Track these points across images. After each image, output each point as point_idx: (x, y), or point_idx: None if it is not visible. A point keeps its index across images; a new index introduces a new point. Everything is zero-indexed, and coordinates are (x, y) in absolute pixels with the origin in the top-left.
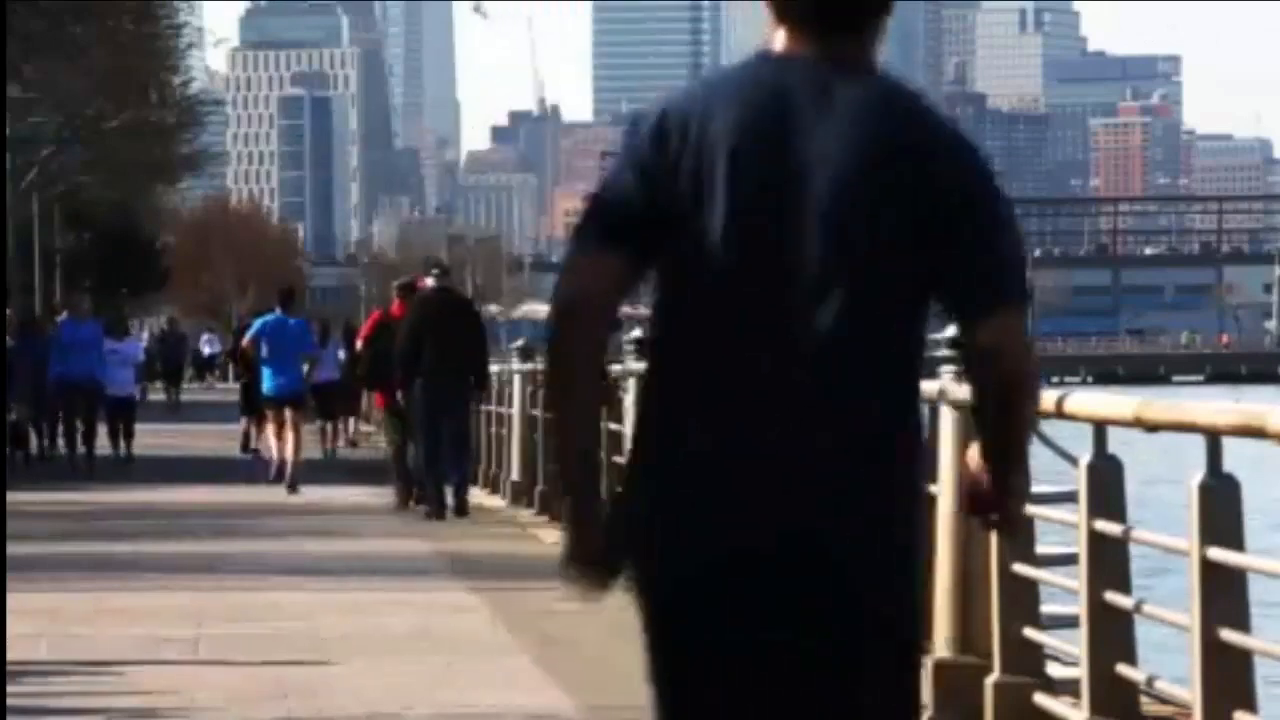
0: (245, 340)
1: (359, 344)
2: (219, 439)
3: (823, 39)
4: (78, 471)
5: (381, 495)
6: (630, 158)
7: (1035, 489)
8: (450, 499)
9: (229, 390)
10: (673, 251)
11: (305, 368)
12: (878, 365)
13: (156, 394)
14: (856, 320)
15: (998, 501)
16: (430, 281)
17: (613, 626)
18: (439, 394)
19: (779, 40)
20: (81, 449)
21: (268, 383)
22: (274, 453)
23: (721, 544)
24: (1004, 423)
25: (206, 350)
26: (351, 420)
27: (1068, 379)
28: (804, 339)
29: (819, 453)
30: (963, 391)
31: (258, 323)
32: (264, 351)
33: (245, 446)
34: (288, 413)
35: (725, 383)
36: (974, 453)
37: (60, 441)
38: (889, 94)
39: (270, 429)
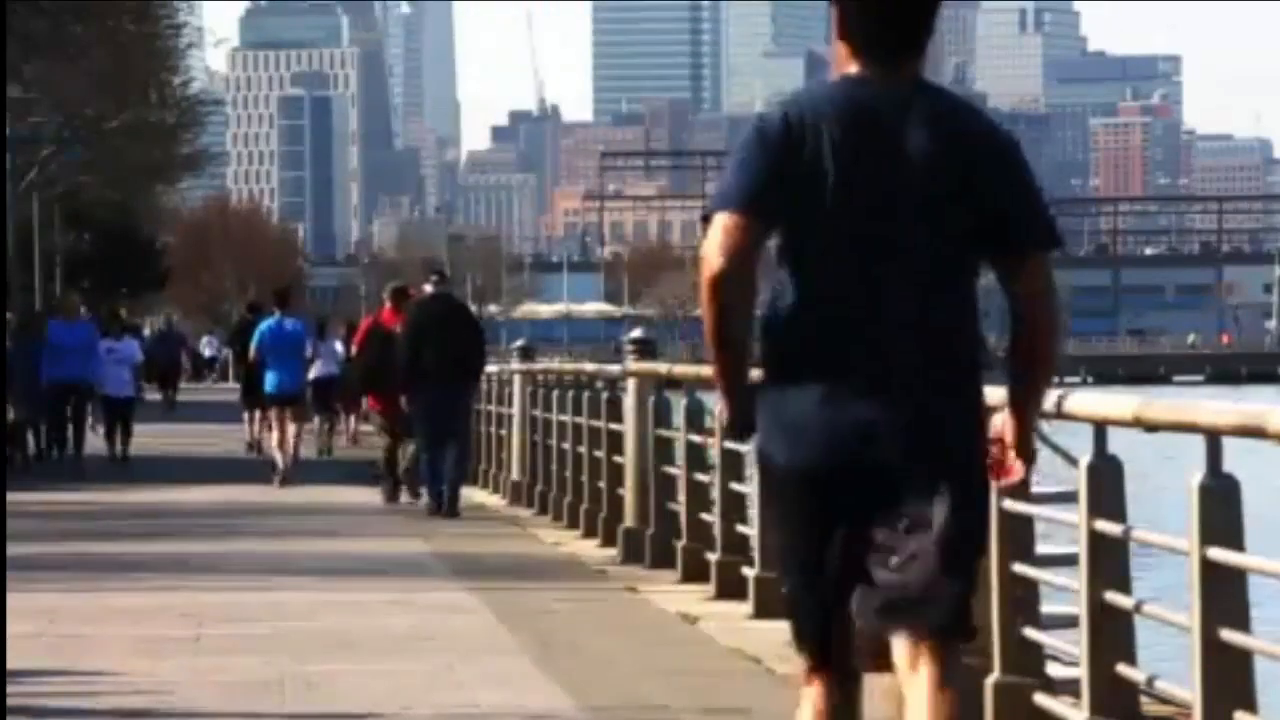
0: (251, 353)
1: (354, 350)
2: (218, 439)
3: (889, 64)
4: (66, 473)
5: (379, 496)
6: (761, 146)
7: (1035, 489)
8: (446, 499)
9: (228, 390)
10: (795, 219)
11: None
12: (956, 318)
13: (152, 393)
14: (937, 278)
15: (1018, 448)
16: (429, 288)
17: (613, 626)
18: (439, 398)
19: (855, 67)
20: (70, 451)
21: (269, 383)
22: (274, 453)
23: (842, 429)
24: (1041, 350)
25: (207, 352)
26: (353, 418)
27: (1068, 379)
28: (901, 298)
29: (919, 386)
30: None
31: (258, 331)
32: (264, 353)
33: (251, 446)
34: (287, 411)
35: (834, 329)
36: (997, 421)
37: (54, 443)
38: (942, 99)
39: (273, 428)
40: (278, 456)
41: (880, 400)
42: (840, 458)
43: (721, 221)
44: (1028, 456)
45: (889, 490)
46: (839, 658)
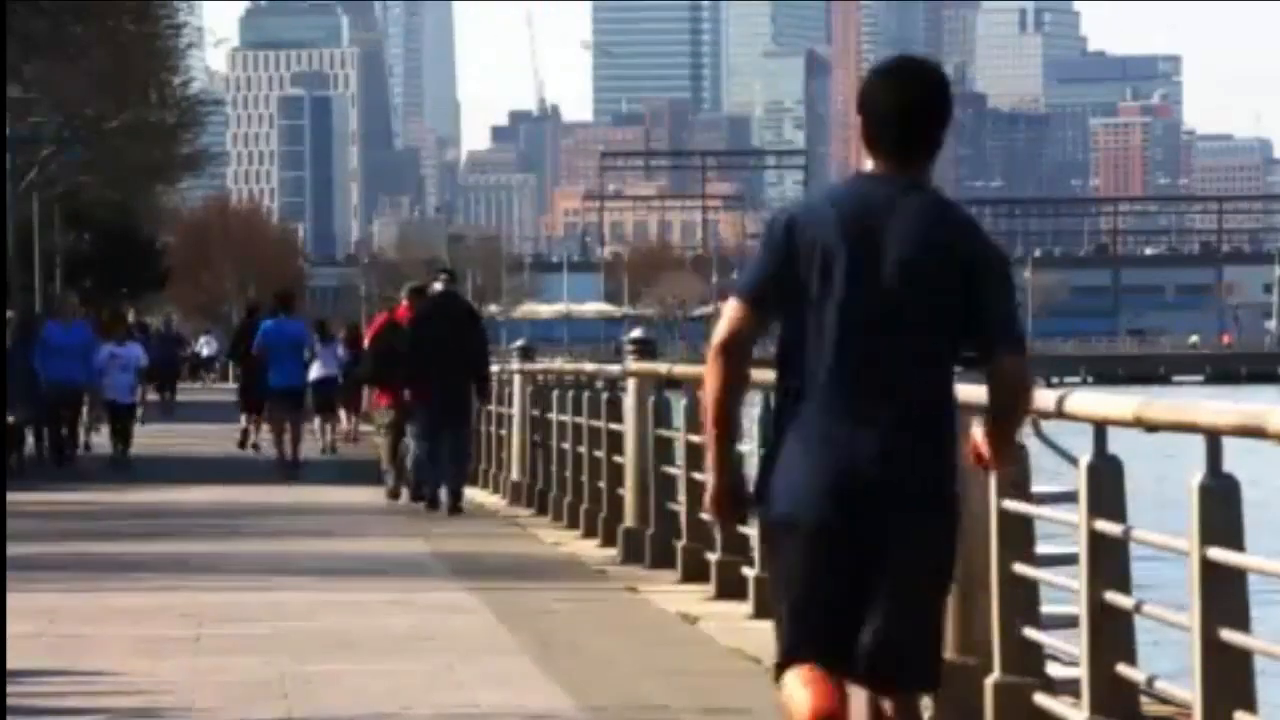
0: (254, 349)
1: (366, 344)
2: (217, 439)
3: (898, 167)
4: (63, 474)
5: (380, 495)
6: (768, 247)
7: (1035, 489)
8: (445, 498)
9: (226, 390)
10: (799, 303)
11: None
12: (934, 382)
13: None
14: (921, 350)
15: (994, 462)
16: (438, 286)
17: (613, 626)
18: (442, 397)
19: (869, 165)
20: (66, 452)
21: (270, 380)
22: (275, 449)
23: (837, 474)
24: (1009, 421)
25: (205, 352)
26: (353, 417)
27: (1068, 379)
28: (889, 362)
29: (899, 436)
30: (962, 392)
31: (260, 331)
32: (266, 352)
33: (243, 444)
34: (288, 409)
35: (835, 396)
36: (977, 429)
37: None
38: (935, 203)
39: (271, 426)
40: (276, 448)
41: (876, 455)
42: (832, 517)
43: (730, 306)
44: (1008, 462)
45: (877, 548)
46: (829, 676)
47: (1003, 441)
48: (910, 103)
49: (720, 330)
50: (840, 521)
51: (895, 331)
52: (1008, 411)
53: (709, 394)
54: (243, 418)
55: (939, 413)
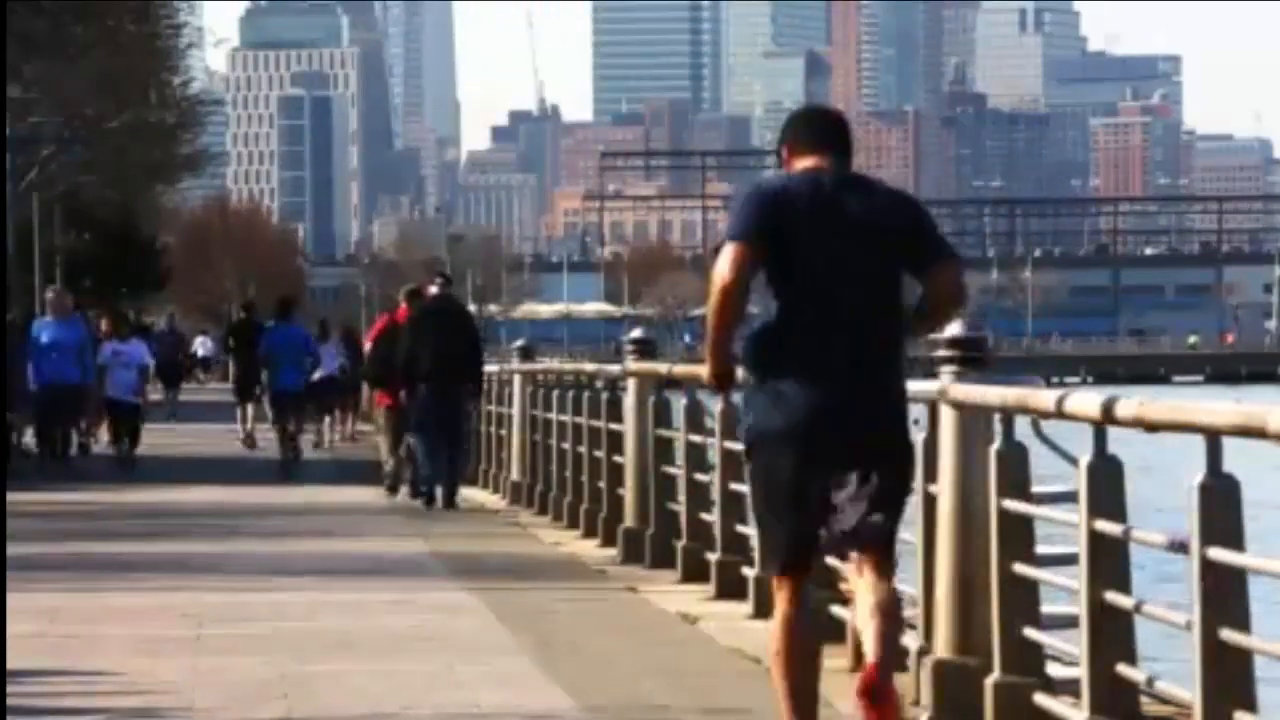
0: (260, 355)
1: (367, 345)
2: (217, 439)
3: (827, 159)
4: (60, 475)
5: (381, 495)
6: (757, 202)
7: (1035, 489)
8: (440, 494)
9: (224, 390)
10: (777, 263)
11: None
12: (890, 326)
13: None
14: (876, 299)
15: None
16: (433, 289)
17: (613, 626)
18: (438, 398)
19: (804, 162)
20: (64, 451)
21: (274, 384)
22: (279, 450)
23: (813, 407)
24: (937, 320)
25: (201, 352)
26: (350, 416)
27: (1068, 379)
28: (850, 312)
29: (864, 374)
30: (963, 392)
31: (265, 335)
32: (271, 355)
33: (246, 442)
34: (291, 411)
35: (804, 338)
36: None
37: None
38: (868, 182)
39: (275, 427)
40: (285, 450)
41: (842, 384)
42: (816, 424)
43: (728, 248)
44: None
45: (846, 449)
46: (803, 567)
47: (923, 322)
48: (840, 119)
49: (723, 269)
50: (811, 432)
51: (859, 286)
52: (937, 306)
53: (714, 317)
54: (237, 412)
55: (895, 349)
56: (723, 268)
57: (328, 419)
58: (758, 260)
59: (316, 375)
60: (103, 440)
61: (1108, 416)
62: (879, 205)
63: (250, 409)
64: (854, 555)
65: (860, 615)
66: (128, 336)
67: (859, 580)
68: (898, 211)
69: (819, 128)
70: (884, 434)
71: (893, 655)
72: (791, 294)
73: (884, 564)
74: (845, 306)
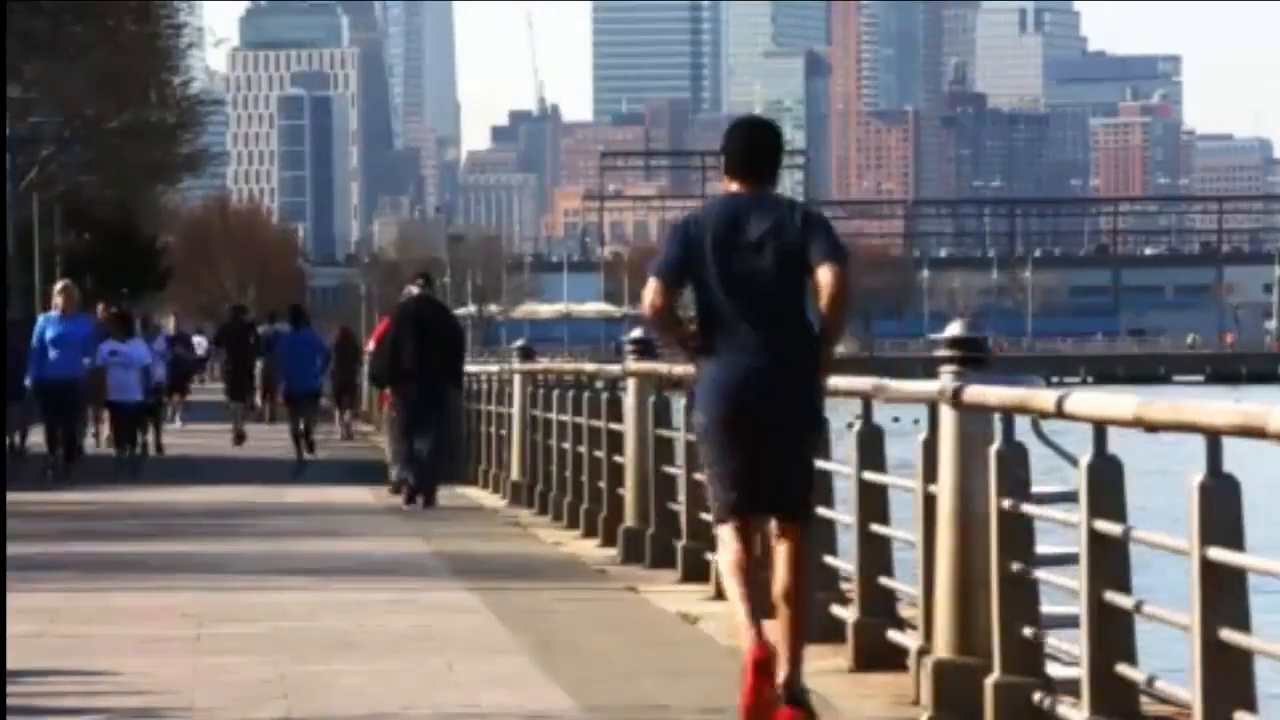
0: (276, 357)
1: (371, 346)
2: (217, 439)
3: (748, 185)
4: (51, 476)
5: (381, 495)
6: (675, 238)
7: (1035, 489)
8: (421, 493)
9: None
10: (698, 280)
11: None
12: (795, 317)
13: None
14: (782, 299)
15: (822, 355)
16: (413, 290)
17: (613, 626)
18: (418, 397)
19: (729, 186)
20: (68, 449)
21: (288, 386)
22: (293, 448)
23: (738, 387)
24: (831, 319)
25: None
26: (348, 414)
27: (1068, 379)
28: (762, 312)
29: (777, 357)
30: (963, 392)
31: (281, 341)
32: (283, 358)
33: (239, 440)
34: (304, 410)
35: (730, 336)
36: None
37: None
38: (777, 199)
39: (290, 426)
40: (300, 448)
41: (763, 371)
42: (744, 407)
43: (650, 283)
44: (826, 366)
45: (772, 425)
46: (746, 518)
47: (828, 337)
48: (764, 144)
49: (646, 302)
50: (750, 419)
51: (770, 289)
52: (823, 305)
53: (663, 328)
54: (232, 409)
55: (806, 342)
56: (646, 300)
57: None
58: (675, 289)
59: None
60: (103, 437)
61: (1108, 416)
62: (778, 221)
63: (239, 408)
64: (772, 522)
65: (775, 579)
66: (126, 337)
67: (777, 540)
68: (793, 223)
69: (741, 159)
70: (800, 402)
71: (801, 615)
72: (707, 302)
73: (797, 522)
74: (758, 303)
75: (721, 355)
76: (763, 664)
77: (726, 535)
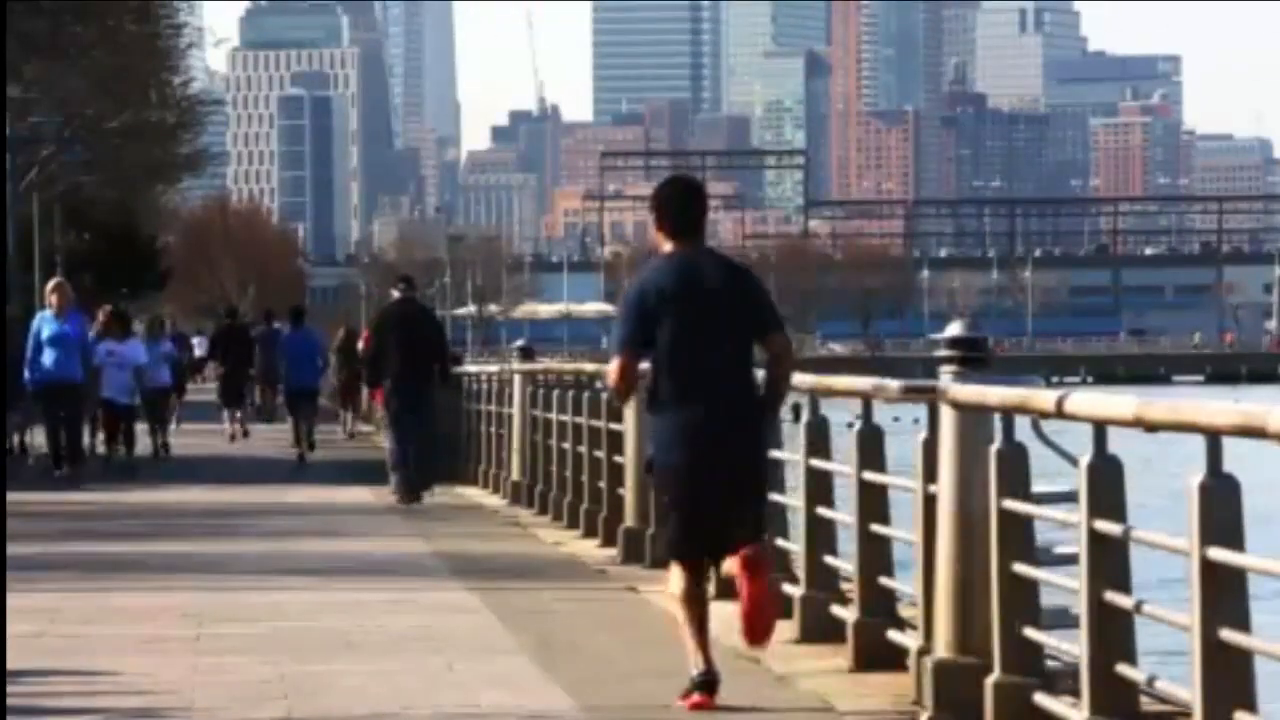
0: (278, 356)
1: (363, 346)
2: (216, 439)
3: (686, 242)
4: (58, 476)
5: (381, 495)
6: (633, 311)
7: (1035, 489)
8: (411, 488)
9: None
10: (656, 339)
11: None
12: (742, 372)
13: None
14: (730, 354)
15: (769, 409)
16: (395, 293)
17: (613, 626)
18: (404, 395)
19: (668, 245)
20: (70, 452)
21: (290, 384)
22: (295, 443)
23: (695, 437)
24: (778, 382)
25: (198, 352)
26: (350, 414)
27: (1068, 379)
28: (719, 364)
29: (728, 417)
30: (963, 392)
31: (283, 341)
32: (286, 357)
33: (233, 439)
34: (304, 406)
35: (684, 384)
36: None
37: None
38: (718, 257)
39: (291, 421)
40: (301, 443)
41: (711, 425)
42: (701, 457)
43: (615, 359)
44: (773, 411)
45: (720, 475)
46: (698, 564)
47: (777, 390)
48: (691, 201)
49: (613, 378)
50: (697, 463)
51: (720, 345)
52: (778, 366)
53: (621, 404)
54: (224, 414)
55: (750, 392)
56: (613, 375)
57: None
58: (640, 356)
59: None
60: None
61: (1108, 416)
62: (728, 278)
63: (236, 411)
64: (730, 558)
65: (740, 601)
66: (123, 337)
67: (738, 574)
68: (740, 284)
69: (674, 219)
70: (743, 456)
71: (764, 638)
72: (664, 353)
73: (754, 562)
74: (705, 356)
75: (678, 406)
76: (708, 685)
77: (678, 573)
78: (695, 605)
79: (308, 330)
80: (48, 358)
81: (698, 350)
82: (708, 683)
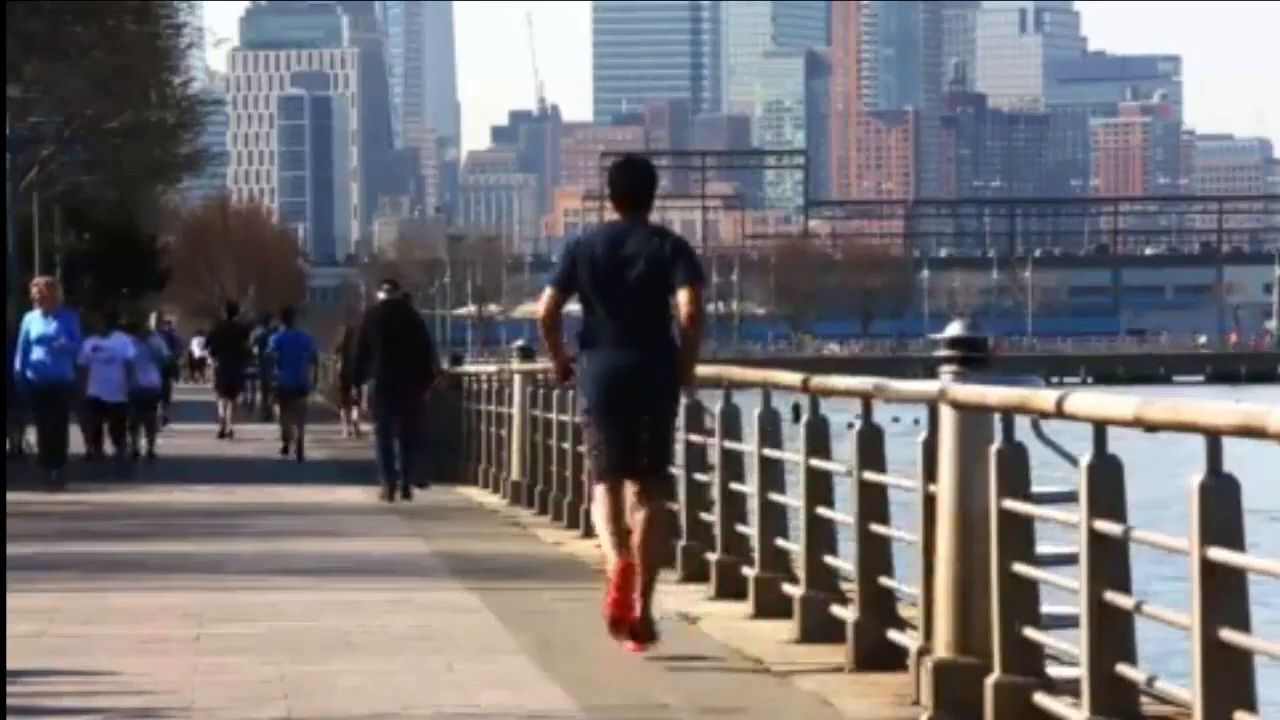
0: (269, 350)
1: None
2: (214, 439)
3: (628, 214)
4: (55, 477)
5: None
6: (565, 256)
7: (1035, 489)
8: (400, 485)
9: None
10: (582, 290)
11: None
12: (652, 324)
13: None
14: (647, 308)
15: (683, 372)
16: (381, 295)
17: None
18: (390, 395)
19: (612, 215)
20: (60, 455)
21: (281, 381)
22: (281, 436)
23: (608, 376)
24: (688, 333)
25: (198, 352)
26: (354, 412)
27: (1068, 379)
28: (630, 317)
29: (640, 354)
30: (963, 392)
31: (273, 338)
32: (277, 357)
33: (223, 434)
34: (294, 404)
35: (605, 334)
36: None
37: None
38: (653, 228)
39: (282, 419)
40: (289, 438)
41: (628, 364)
42: (612, 391)
43: (546, 291)
44: (688, 382)
45: (633, 406)
46: (615, 479)
47: (687, 348)
48: (640, 179)
49: (542, 308)
50: (617, 401)
51: (637, 299)
52: (688, 321)
53: (545, 338)
54: (220, 405)
55: (660, 342)
56: (541, 307)
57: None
58: (566, 297)
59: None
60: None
61: (1108, 416)
62: (648, 243)
63: (229, 405)
64: (631, 484)
65: (634, 536)
66: (108, 331)
67: (635, 503)
68: (660, 246)
69: (623, 192)
70: (656, 389)
71: (651, 564)
72: (589, 307)
73: (650, 487)
74: (627, 310)
75: (598, 351)
76: (627, 570)
77: (600, 493)
78: (615, 523)
79: (298, 330)
80: (36, 357)
81: (612, 304)
82: (627, 570)
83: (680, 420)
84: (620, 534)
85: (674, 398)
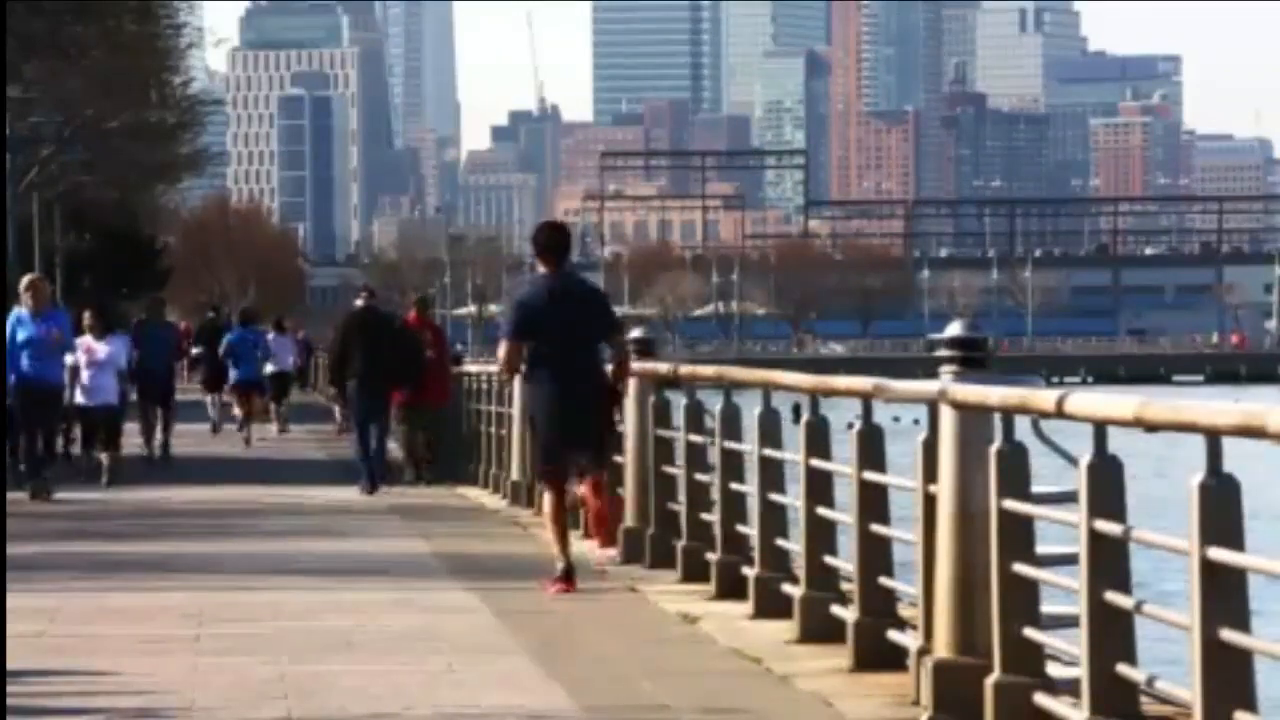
0: (220, 351)
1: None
2: (213, 439)
3: (555, 265)
4: (38, 484)
5: (382, 494)
6: (519, 313)
7: (1035, 489)
8: (373, 478)
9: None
10: (532, 337)
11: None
12: (589, 358)
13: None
14: (581, 345)
15: (617, 397)
16: (359, 302)
17: (613, 626)
18: (368, 396)
19: (542, 267)
20: (51, 461)
21: (237, 374)
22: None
23: (554, 402)
24: (618, 365)
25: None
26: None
27: (1068, 379)
28: (573, 356)
29: (582, 386)
30: (963, 392)
31: (229, 336)
32: (233, 354)
33: (216, 430)
34: (248, 395)
35: (550, 370)
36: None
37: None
38: (577, 279)
39: (240, 406)
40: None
41: (569, 396)
42: (557, 416)
43: (503, 344)
44: (620, 399)
45: (576, 429)
46: (559, 481)
47: (619, 370)
48: (558, 237)
49: (502, 359)
50: (554, 416)
51: (577, 343)
52: (619, 364)
53: (508, 376)
54: (208, 400)
55: (599, 373)
56: (502, 357)
57: (279, 405)
58: (523, 346)
59: (270, 369)
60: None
61: (1108, 416)
62: (581, 296)
63: (216, 398)
64: (580, 480)
65: (586, 500)
66: (103, 334)
67: (587, 492)
68: (593, 300)
69: (551, 250)
70: (591, 418)
71: (603, 524)
72: (539, 344)
73: (598, 485)
74: (565, 347)
75: (545, 380)
76: (568, 575)
77: (546, 492)
78: (559, 518)
79: (252, 329)
80: (25, 360)
81: (557, 343)
82: (567, 573)
83: (679, 420)
84: (564, 526)
85: (608, 412)
